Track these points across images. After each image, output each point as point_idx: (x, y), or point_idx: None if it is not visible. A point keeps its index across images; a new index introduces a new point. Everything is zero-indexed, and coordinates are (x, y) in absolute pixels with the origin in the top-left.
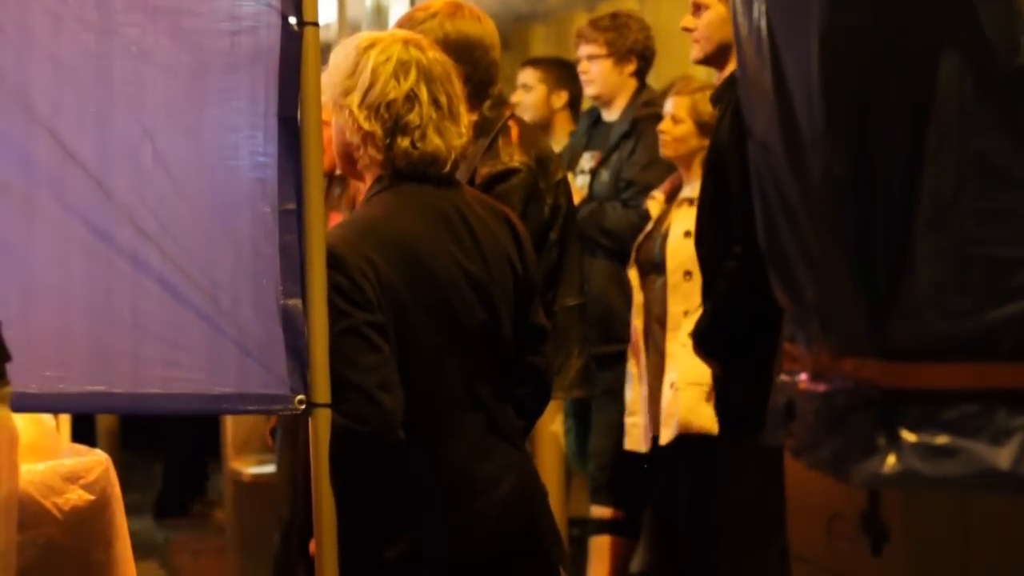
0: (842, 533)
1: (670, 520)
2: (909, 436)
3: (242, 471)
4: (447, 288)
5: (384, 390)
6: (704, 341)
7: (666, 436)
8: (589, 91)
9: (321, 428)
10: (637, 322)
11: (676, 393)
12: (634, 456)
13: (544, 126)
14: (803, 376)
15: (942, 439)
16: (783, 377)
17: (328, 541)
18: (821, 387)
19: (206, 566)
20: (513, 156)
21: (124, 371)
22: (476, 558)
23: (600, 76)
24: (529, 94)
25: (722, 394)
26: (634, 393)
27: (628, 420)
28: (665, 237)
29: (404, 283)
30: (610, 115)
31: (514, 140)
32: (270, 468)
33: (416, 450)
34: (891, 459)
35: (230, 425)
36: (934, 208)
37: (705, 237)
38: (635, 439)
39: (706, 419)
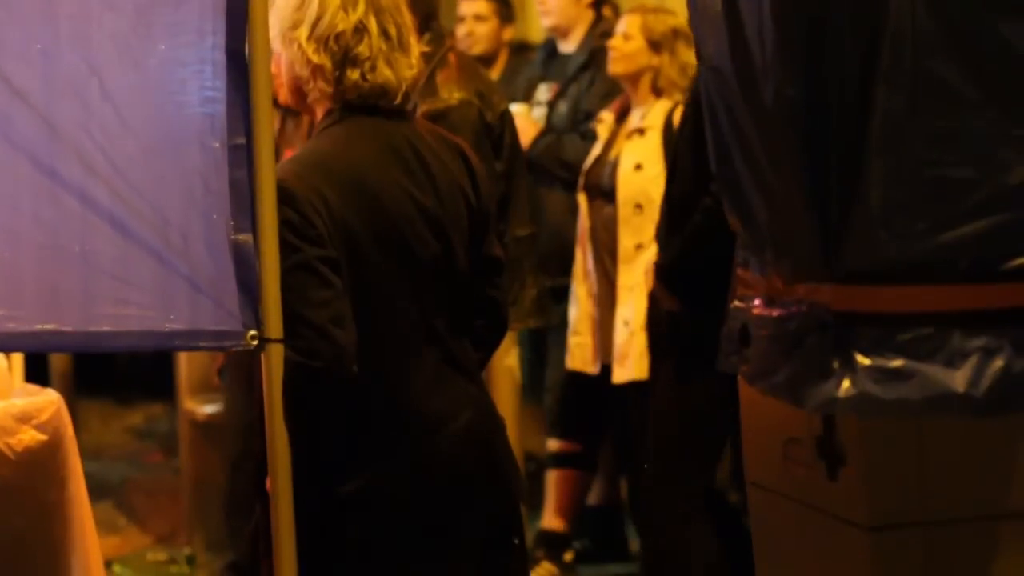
0: (797, 458)
1: (626, 452)
2: (864, 360)
3: (196, 411)
4: (399, 221)
5: (336, 324)
6: (668, 276)
7: (621, 376)
8: (546, 22)
9: (274, 364)
10: (583, 246)
11: (631, 336)
12: (588, 389)
13: (491, 59)
14: (757, 302)
15: (897, 362)
16: (736, 303)
17: (283, 478)
18: (775, 312)
19: (161, 506)
20: (452, 92)
21: (74, 309)
22: (434, 492)
23: (557, 7)
24: (482, 25)
25: (673, 330)
26: (579, 312)
27: (572, 339)
28: (615, 167)
29: (356, 217)
30: (567, 46)
31: (454, 75)
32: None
33: (371, 385)
34: (846, 383)
35: (184, 365)
36: (886, 130)
37: (682, 173)
38: (580, 359)
39: None
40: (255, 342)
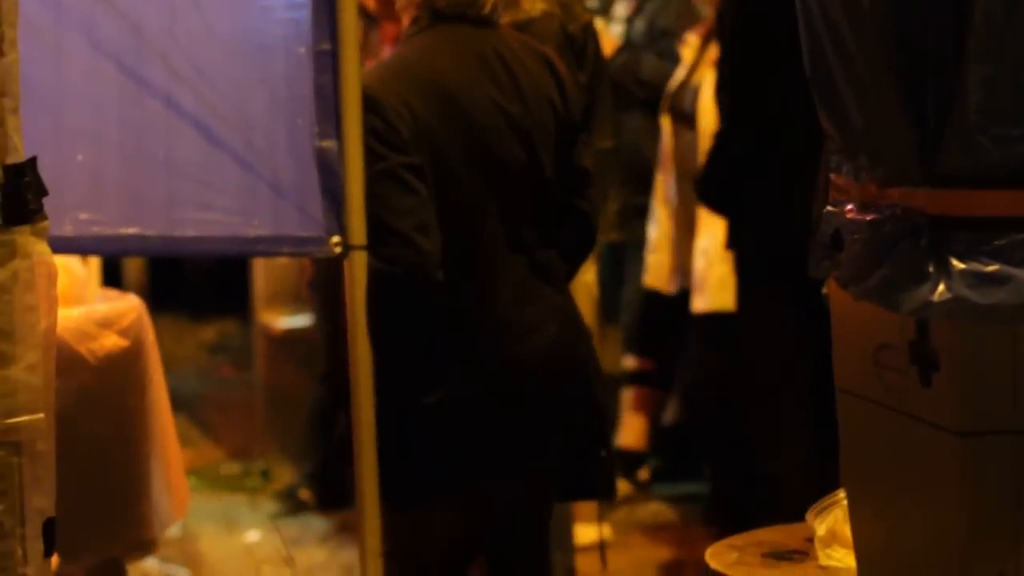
0: (889, 364)
1: (702, 374)
2: (958, 264)
3: (272, 325)
4: (485, 129)
5: (421, 232)
6: (702, 190)
7: (699, 305)
8: None
9: (357, 271)
10: (665, 169)
11: (709, 266)
12: (665, 308)
13: None
14: (850, 206)
15: (992, 267)
16: (829, 208)
17: (364, 387)
18: (868, 217)
19: (234, 420)
20: (535, 4)
21: (158, 214)
22: (521, 403)
23: None
24: None
25: (735, 244)
26: (659, 232)
27: (651, 258)
28: (697, 92)
29: (441, 124)
30: None
31: None
32: (301, 321)
33: (458, 293)
34: (940, 287)
35: (260, 278)
36: (987, 30)
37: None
38: (657, 277)
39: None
40: (339, 249)
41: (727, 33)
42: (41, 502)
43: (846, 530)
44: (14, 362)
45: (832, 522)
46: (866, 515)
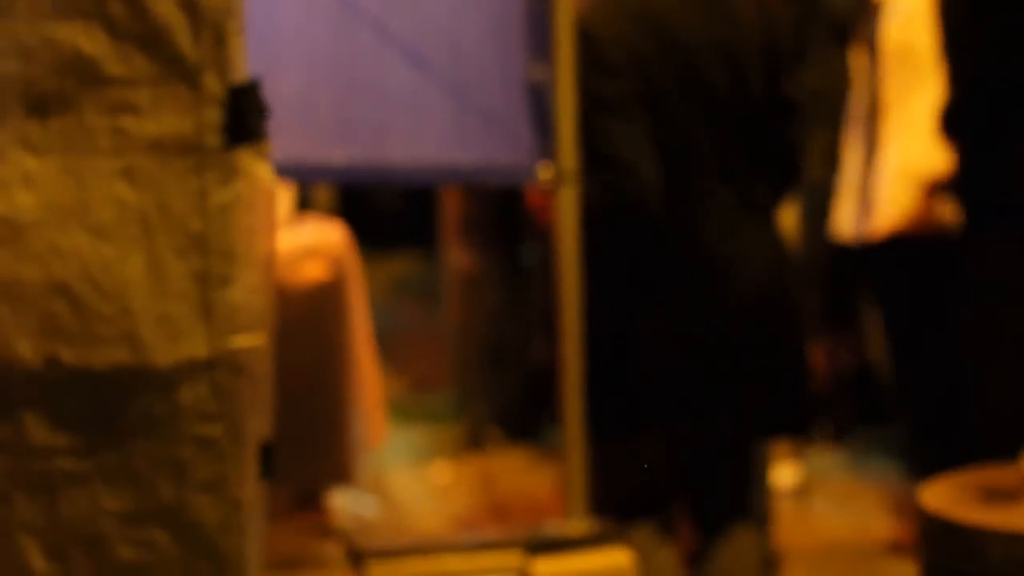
0: None
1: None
2: None
3: (461, 260)
4: (697, 57)
5: (640, 161)
6: (951, 121)
7: (876, 225)
8: None
9: (568, 200)
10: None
11: (891, 184)
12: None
13: None
14: None
15: None
16: None
17: (571, 315)
18: None
19: (422, 354)
20: None
21: (367, 141)
22: (726, 339)
23: None
24: None
25: (963, 186)
26: (849, 168)
27: (841, 197)
28: (888, 15)
29: (652, 52)
30: None
31: None
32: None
33: (666, 224)
34: None
35: (450, 213)
36: None
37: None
38: (842, 225)
39: (939, 214)
40: (550, 176)
41: None
42: (258, 425)
43: None
44: (234, 284)
45: None
46: None
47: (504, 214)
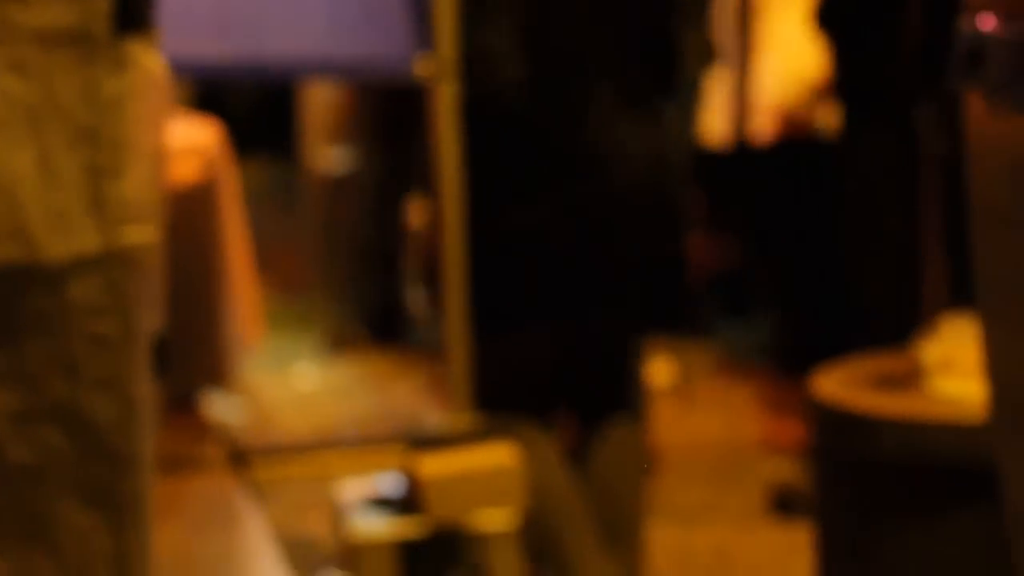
0: None
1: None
2: None
3: (322, 164)
4: None
5: (515, 52)
6: (825, 14)
7: (763, 131)
8: None
9: (447, 95)
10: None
11: (777, 85)
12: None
13: None
14: (992, 16)
15: None
16: (968, 19)
17: (452, 213)
18: (1014, 26)
19: (288, 258)
20: None
21: (243, 36)
22: (607, 232)
23: None
24: None
25: (840, 80)
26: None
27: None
28: None
29: None
30: None
31: None
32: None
33: (544, 118)
34: None
35: (309, 117)
36: None
37: None
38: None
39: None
40: (428, 72)
41: None
42: (151, 320)
43: (961, 356)
44: (126, 177)
45: (945, 349)
46: (1002, 338)
47: (387, 112)
